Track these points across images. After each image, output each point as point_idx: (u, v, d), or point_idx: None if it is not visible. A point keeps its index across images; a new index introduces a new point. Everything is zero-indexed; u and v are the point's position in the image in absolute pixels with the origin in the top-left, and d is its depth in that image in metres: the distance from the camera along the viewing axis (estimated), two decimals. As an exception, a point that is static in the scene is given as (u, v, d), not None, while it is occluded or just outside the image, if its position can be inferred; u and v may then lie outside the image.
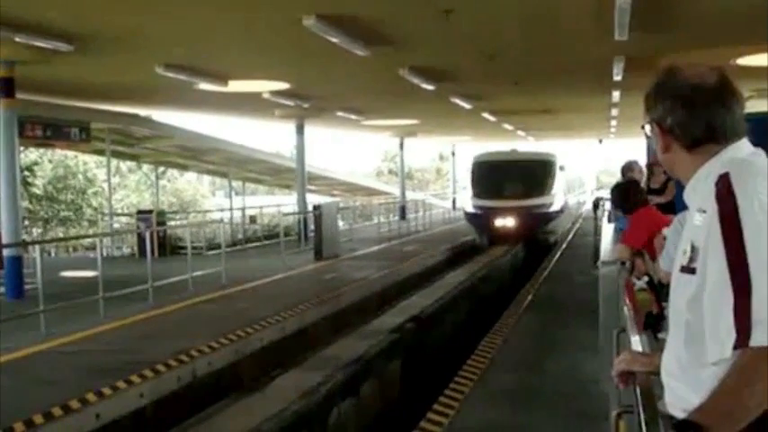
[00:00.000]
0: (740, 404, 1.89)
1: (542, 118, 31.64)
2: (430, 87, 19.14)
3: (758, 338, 1.86)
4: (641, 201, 7.01)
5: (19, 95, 14.91)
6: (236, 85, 19.05)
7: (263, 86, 20.36)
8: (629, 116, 29.01)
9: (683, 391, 2.09)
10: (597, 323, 7.98)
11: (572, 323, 11.37)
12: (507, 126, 35.83)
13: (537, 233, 26.94)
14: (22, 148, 23.08)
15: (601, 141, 47.94)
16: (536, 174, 27.69)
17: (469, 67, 17.96)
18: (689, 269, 2.06)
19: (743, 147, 2.19)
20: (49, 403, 7.46)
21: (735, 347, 1.89)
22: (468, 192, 28.56)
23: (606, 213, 15.51)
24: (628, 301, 5.45)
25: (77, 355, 9.79)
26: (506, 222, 26.20)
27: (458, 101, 23.34)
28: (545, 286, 15.67)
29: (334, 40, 12.96)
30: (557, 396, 7.92)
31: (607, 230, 12.85)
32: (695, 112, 2.20)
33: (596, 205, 20.03)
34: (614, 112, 29.34)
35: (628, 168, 10.45)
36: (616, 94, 23.25)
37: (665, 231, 5.68)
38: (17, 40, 12.75)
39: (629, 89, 20.50)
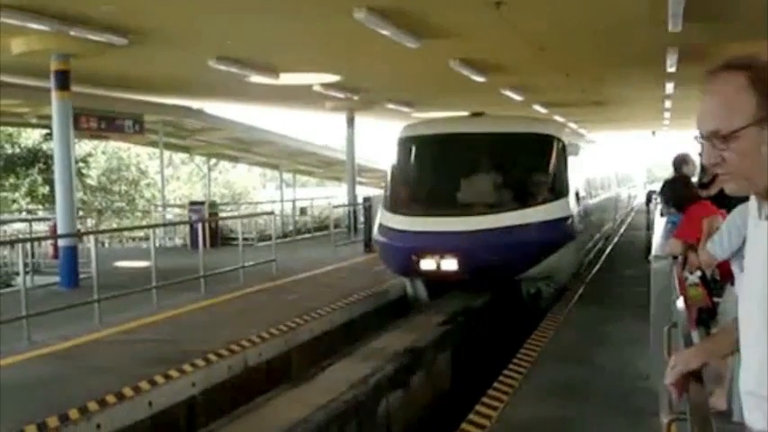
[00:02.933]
0: None
1: (594, 110, 31.17)
2: (480, 79, 19.06)
3: None
4: (693, 196, 6.92)
5: (74, 88, 15.16)
6: (286, 78, 19.15)
7: (314, 79, 20.45)
8: (683, 108, 28.60)
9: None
10: (648, 318, 7.91)
11: (622, 317, 11.26)
12: (558, 119, 35.55)
13: (524, 276, 13.51)
14: (76, 140, 23.42)
15: (654, 134, 47.30)
16: (523, 162, 14.74)
17: (520, 59, 17.84)
18: None
19: None
20: (103, 391, 7.60)
21: None
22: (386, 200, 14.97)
23: (659, 207, 15.33)
24: (680, 296, 5.39)
25: (131, 343, 9.95)
26: (453, 262, 12.99)
27: (508, 93, 23.20)
28: (595, 280, 15.53)
29: (384, 32, 12.97)
30: (606, 391, 7.86)
31: (659, 224, 12.71)
32: None
33: (649, 199, 19.79)
34: (668, 104, 28.90)
35: (681, 161, 10.15)
36: (669, 86, 22.91)
37: (722, 222, 5.61)
38: (72, 33, 12.97)
39: (683, 81, 20.21)
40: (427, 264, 13.06)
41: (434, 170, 14.93)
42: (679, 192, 7.11)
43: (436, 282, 13.79)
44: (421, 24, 13.16)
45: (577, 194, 14.69)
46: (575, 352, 9.69)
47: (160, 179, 32.42)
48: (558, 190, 13.99)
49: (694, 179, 8.83)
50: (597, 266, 17.23)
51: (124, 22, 12.89)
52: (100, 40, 13.52)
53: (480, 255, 12.89)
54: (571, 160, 14.75)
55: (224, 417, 7.81)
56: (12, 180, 35.26)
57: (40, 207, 33.20)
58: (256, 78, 18.70)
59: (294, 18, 12.94)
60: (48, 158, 31.00)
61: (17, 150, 35.53)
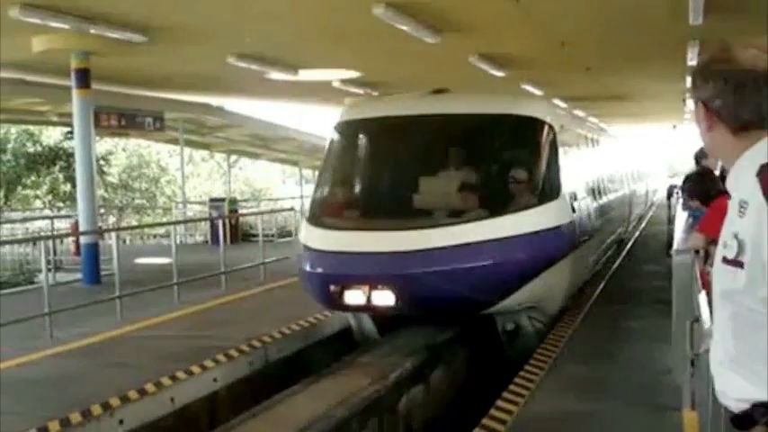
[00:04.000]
0: None
1: (614, 104, 31.00)
2: (500, 74, 19.00)
3: None
4: (717, 190, 6.87)
5: (94, 86, 15.23)
6: (306, 74, 19.16)
7: (333, 75, 20.46)
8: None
9: (736, 382, 2.05)
10: (669, 312, 7.86)
11: (643, 312, 11.21)
12: (578, 112, 35.38)
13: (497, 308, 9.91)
14: (97, 138, 23.56)
15: (675, 127, 47.01)
16: (498, 153, 11.37)
17: (540, 54, 17.77)
18: (736, 262, 1.99)
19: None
20: (126, 386, 7.64)
21: None
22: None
23: (680, 201, 15.24)
24: (702, 290, 5.36)
25: (152, 339, 10.01)
26: (388, 295, 9.40)
27: (528, 87, 23.12)
28: (616, 275, 15.45)
29: (403, 27, 12.95)
30: (628, 386, 7.82)
31: (680, 219, 12.64)
32: (745, 95, 2.12)
33: (670, 193, 19.66)
34: (689, 97, 28.72)
35: (703, 154, 10.09)
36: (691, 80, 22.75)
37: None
38: (92, 31, 13.04)
39: (705, 74, 20.05)
40: (354, 297, 9.41)
41: (373, 166, 11.38)
42: (703, 185, 7.06)
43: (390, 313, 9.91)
44: (440, 19, 13.14)
45: (575, 195, 11.14)
46: (596, 347, 9.65)
47: (180, 176, 32.51)
48: (547, 190, 10.26)
49: (716, 172, 8.77)
50: (617, 263, 17.14)
51: (143, 19, 12.95)
52: (119, 38, 13.59)
53: (429, 284, 9.25)
54: (566, 151, 11.31)
55: (246, 412, 7.84)
56: (33, 178, 35.53)
57: (62, 205, 33.45)
58: (276, 75, 18.73)
59: (313, 14, 12.95)
60: (69, 156, 31.19)
61: (38, 149, 35.78)
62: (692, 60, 17.53)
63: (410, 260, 9.29)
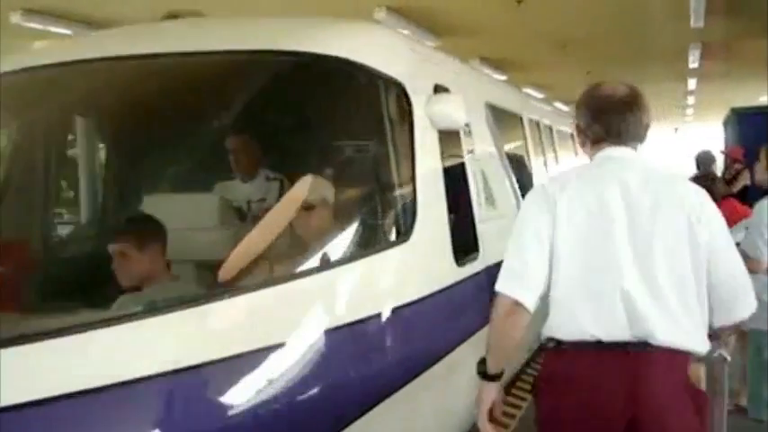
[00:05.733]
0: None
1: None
2: (501, 77, 19.02)
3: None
4: (722, 194, 6.88)
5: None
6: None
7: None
8: (706, 104, 28.45)
9: None
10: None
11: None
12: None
13: None
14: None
15: (677, 130, 46.99)
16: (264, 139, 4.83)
17: (541, 57, 17.78)
18: None
19: (596, 158, 3.20)
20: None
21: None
22: None
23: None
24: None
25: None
26: None
27: (529, 90, 23.10)
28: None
29: (404, 32, 12.97)
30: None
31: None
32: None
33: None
34: (690, 100, 28.70)
35: (705, 159, 10.06)
36: (692, 82, 22.76)
37: (745, 222, 5.58)
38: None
39: (706, 76, 20.08)
40: None
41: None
42: (707, 190, 7.05)
43: None
44: (441, 23, 13.15)
45: (464, 230, 4.71)
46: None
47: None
48: (392, 224, 3.98)
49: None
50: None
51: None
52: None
53: None
54: (447, 141, 4.64)
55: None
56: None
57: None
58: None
59: (314, 18, 12.95)
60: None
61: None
62: (694, 63, 17.55)
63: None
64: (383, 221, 3.95)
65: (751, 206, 7.34)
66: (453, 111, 4.47)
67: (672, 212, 3.03)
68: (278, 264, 3.69)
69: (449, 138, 4.69)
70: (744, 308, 3.10)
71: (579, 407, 2.93)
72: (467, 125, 5.03)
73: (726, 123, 18.71)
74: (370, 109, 4.20)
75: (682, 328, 2.93)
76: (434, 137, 4.39)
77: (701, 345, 3.00)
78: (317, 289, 3.35)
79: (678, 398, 2.94)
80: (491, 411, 3.12)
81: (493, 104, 6.36)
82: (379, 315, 3.52)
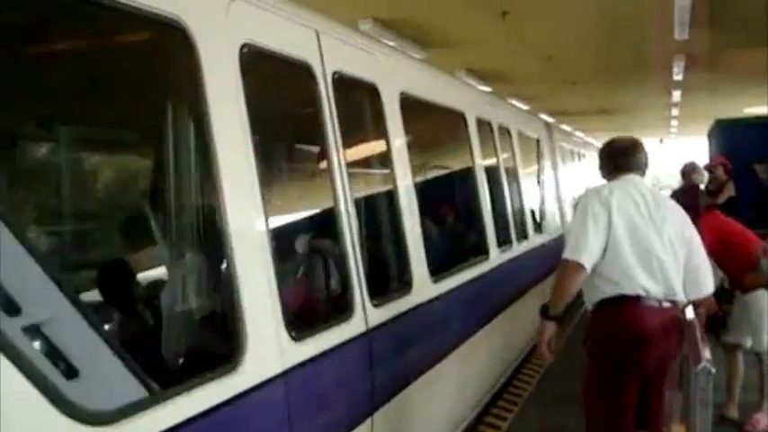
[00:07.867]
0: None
1: (600, 118, 31.07)
2: (486, 89, 19.05)
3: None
4: (706, 205, 6.91)
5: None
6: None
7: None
8: (691, 116, 28.58)
9: None
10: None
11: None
12: (565, 127, 35.48)
13: None
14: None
15: (661, 141, 47.17)
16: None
17: (526, 69, 17.82)
18: None
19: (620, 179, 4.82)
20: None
21: None
22: None
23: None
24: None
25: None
26: None
27: (514, 102, 23.14)
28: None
29: (390, 43, 12.98)
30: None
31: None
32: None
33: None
34: (675, 111, 28.84)
35: (691, 170, 10.00)
36: (677, 94, 22.86)
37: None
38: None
39: (691, 88, 20.18)
40: None
41: None
42: (692, 201, 7.07)
43: None
44: (427, 35, 13.17)
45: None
46: (582, 364, 9.62)
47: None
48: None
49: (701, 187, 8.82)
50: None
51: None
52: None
53: None
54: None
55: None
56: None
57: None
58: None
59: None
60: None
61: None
62: (678, 75, 17.64)
63: None
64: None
65: (737, 218, 7.39)
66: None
67: (671, 216, 4.76)
68: None
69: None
70: (707, 286, 4.83)
71: (621, 336, 4.63)
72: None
73: (710, 135, 18.82)
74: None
75: (680, 291, 4.66)
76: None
77: (683, 299, 4.71)
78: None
79: (673, 330, 4.65)
80: (549, 342, 4.68)
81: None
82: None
